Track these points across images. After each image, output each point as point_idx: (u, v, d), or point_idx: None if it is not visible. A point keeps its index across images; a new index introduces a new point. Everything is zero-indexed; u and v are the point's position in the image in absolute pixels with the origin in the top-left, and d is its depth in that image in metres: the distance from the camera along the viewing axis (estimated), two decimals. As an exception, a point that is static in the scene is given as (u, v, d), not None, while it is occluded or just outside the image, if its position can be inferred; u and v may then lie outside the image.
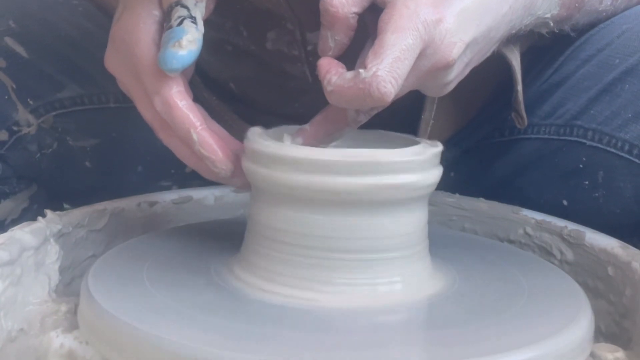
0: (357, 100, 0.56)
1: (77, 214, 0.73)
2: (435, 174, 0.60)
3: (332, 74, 0.57)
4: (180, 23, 0.62)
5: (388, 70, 0.55)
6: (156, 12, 0.65)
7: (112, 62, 0.67)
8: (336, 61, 0.59)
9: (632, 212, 0.75)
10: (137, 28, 0.64)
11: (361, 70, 0.55)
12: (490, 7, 0.61)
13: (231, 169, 0.63)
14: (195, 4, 0.64)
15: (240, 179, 0.64)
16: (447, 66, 0.59)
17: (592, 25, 0.82)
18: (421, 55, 0.57)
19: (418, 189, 0.59)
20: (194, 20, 0.63)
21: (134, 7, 0.66)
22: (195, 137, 0.62)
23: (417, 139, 0.64)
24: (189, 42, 0.61)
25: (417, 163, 0.59)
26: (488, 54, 0.67)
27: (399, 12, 0.57)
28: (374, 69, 0.55)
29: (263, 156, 0.59)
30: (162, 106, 0.62)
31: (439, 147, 0.61)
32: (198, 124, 0.62)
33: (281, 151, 0.58)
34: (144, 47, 0.63)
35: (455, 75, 0.62)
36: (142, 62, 0.63)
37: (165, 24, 0.63)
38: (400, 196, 0.58)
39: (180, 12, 0.63)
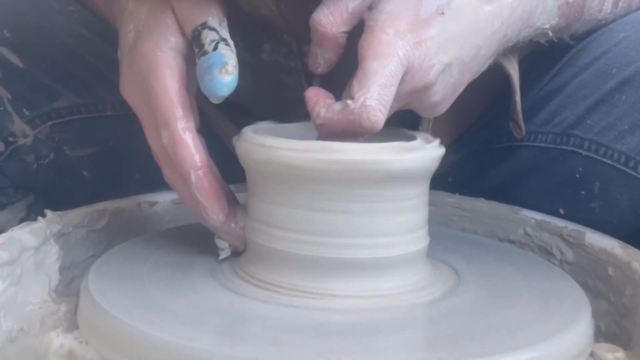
0: (348, 131, 0.56)
1: (77, 214, 0.73)
2: (436, 152, 0.60)
3: (321, 106, 0.57)
4: (216, 47, 0.61)
5: (376, 98, 0.55)
6: (172, 39, 0.64)
7: (128, 89, 0.66)
8: (323, 91, 0.59)
9: (628, 223, 0.75)
10: (154, 57, 0.63)
11: (349, 102, 0.56)
12: (477, 26, 0.61)
13: (222, 220, 0.63)
14: (220, 24, 0.63)
15: (229, 237, 0.64)
16: (426, 88, 0.60)
17: (591, 32, 0.82)
18: (401, 80, 0.58)
19: (421, 167, 0.59)
20: (226, 42, 0.62)
21: (150, 33, 0.64)
22: (193, 178, 0.61)
23: (417, 133, 0.63)
24: (233, 67, 0.60)
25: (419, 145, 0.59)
26: (483, 69, 0.66)
27: (377, 39, 0.57)
28: (361, 99, 0.55)
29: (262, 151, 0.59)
30: (168, 140, 0.62)
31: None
32: (199, 165, 0.61)
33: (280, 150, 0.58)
34: (160, 77, 0.62)
35: (442, 97, 0.62)
36: (156, 93, 0.62)
37: (196, 50, 0.62)
38: (402, 174, 0.58)
39: (210, 35, 0.62)
